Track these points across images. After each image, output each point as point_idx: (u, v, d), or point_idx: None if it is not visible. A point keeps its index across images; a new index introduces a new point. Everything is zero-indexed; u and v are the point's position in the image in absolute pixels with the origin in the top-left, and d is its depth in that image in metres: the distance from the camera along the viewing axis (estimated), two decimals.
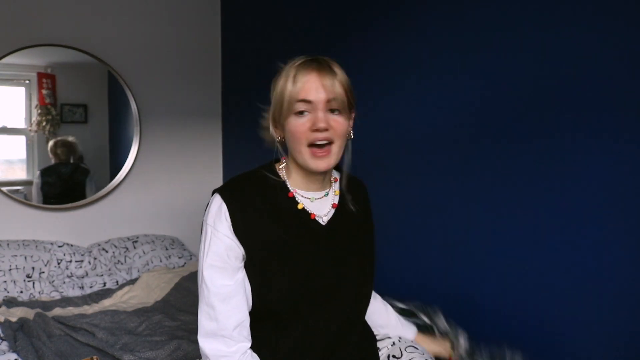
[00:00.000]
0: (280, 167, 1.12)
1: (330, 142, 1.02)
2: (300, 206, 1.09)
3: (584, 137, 1.38)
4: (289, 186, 1.10)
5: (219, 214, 1.04)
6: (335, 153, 1.03)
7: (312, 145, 1.02)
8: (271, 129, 1.08)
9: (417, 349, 1.32)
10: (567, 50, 1.41)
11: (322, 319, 1.11)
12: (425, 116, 1.87)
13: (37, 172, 2.66)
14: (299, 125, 1.01)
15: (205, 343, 1.03)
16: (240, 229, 1.03)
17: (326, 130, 1.00)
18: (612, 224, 1.33)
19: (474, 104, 1.68)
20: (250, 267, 1.06)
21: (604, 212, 1.35)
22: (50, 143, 2.66)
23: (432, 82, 1.83)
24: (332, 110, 1.01)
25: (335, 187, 1.18)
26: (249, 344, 1.06)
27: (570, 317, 1.43)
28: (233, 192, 1.06)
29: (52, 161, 2.68)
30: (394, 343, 1.34)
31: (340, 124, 1.02)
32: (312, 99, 1.00)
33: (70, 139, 2.72)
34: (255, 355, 1.06)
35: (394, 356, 1.30)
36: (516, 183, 1.56)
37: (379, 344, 1.32)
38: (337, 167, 1.19)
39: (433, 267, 1.85)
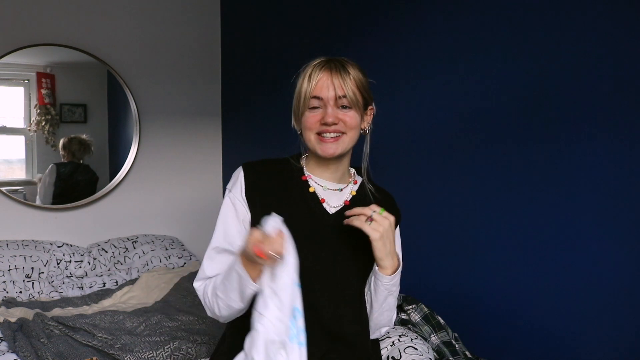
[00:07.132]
0: (303, 157, 1.22)
1: (341, 133, 1.10)
2: (311, 189, 1.16)
3: (585, 138, 1.38)
4: (305, 171, 1.18)
5: (236, 180, 1.17)
6: (343, 142, 1.11)
7: (320, 134, 1.11)
8: (293, 122, 1.18)
9: (416, 349, 1.31)
10: (568, 52, 1.41)
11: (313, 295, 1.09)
12: (427, 116, 1.86)
13: (50, 167, 2.65)
14: (310, 117, 1.10)
15: (195, 284, 1.16)
16: (250, 195, 1.14)
17: (335, 124, 1.08)
18: (613, 224, 1.33)
19: (474, 104, 1.68)
20: None
21: (604, 213, 1.35)
22: (64, 140, 2.67)
23: (432, 83, 1.83)
24: (343, 107, 1.09)
25: (354, 188, 1.20)
26: None
27: (571, 317, 1.43)
28: (254, 164, 1.19)
29: (63, 159, 2.68)
30: (393, 343, 1.34)
31: (349, 118, 1.10)
32: (322, 96, 1.08)
33: (85, 136, 2.73)
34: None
35: (392, 357, 1.30)
36: (517, 183, 1.56)
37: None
38: (359, 172, 1.23)
39: (434, 267, 1.84)
